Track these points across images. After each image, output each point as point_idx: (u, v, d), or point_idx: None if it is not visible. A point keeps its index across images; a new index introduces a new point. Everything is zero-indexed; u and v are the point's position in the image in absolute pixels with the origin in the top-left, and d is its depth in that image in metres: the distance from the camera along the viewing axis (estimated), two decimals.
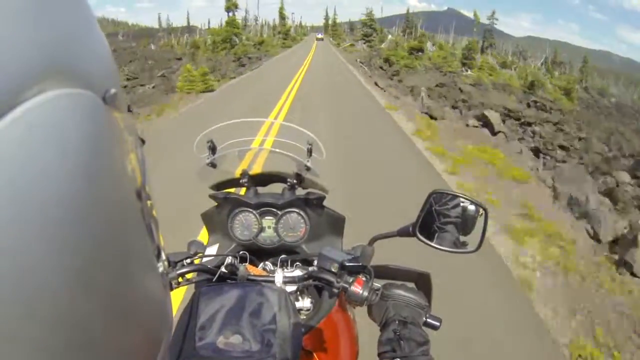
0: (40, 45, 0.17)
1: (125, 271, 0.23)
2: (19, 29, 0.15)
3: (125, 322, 0.23)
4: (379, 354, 0.67)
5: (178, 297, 1.87)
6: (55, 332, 0.17)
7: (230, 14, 33.07)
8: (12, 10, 0.15)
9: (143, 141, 0.29)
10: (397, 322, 0.69)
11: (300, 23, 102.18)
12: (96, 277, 0.19)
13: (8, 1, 0.15)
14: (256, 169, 1.22)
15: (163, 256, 0.30)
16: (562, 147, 8.81)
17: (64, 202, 0.17)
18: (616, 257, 3.33)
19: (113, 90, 0.21)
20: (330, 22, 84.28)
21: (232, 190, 1.14)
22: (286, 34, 55.03)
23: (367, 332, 0.92)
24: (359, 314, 0.94)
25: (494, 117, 8.84)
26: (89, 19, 0.21)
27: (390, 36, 42.40)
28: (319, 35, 69.20)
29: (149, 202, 0.27)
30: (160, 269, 0.29)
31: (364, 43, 43.47)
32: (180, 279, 0.81)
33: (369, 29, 46.79)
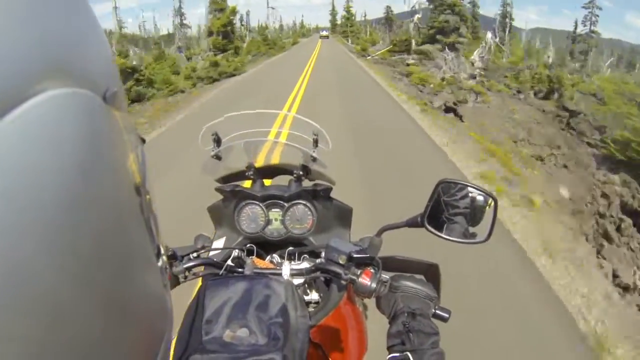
0: (41, 45, 0.17)
1: (125, 270, 0.22)
2: (20, 29, 0.16)
3: (125, 319, 0.23)
4: (388, 347, 0.66)
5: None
6: (54, 331, 0.17)
7: None
8: (12, 10, 0.15)
9: (143, 140, 0.30)
10: (406, 314, 0.68)
11: (302, 22, 76.40)
12: (95, 275, 0.19)
13: (8, 1, 0.15)
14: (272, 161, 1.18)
15: (163, 255, 0.30)
16: None
17: (64, 201, 0.17)
18: None
19: (113, 90, 0.22)
20: (342, 16, 55.16)
21: (240, 183, 1.13)
22: (224, 35, 17.19)
23: (376, 324, 0.90)
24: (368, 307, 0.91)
25: None
26: (90, 18, 0.22)
27: (489, 35, 14.75)
28: (324, 33, 55.05)
29: (148, 200, 0.27)
30: (160, 267, 0.29)
31: (455, 53, 13.74)
32: (187, 273, 0.80)
33: (452, 16, 17.69)
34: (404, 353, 0.62)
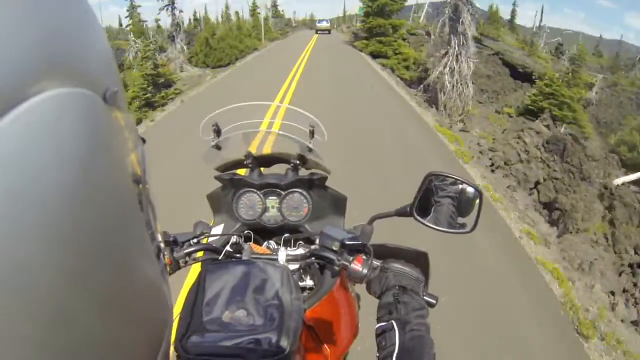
0: (40, 44, 0.16)
1: (124, 269, 0.23)
2: (19, 28, 0.15)
3: (127, 313, 0.23)
4: (378, 318, 0.68)
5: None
6: (54, 328, 0.17)
7: None
8: (11, 9, 0.15)
9: (143, 140, 0.30)
10: (397, 287, 0.70)
11: (274, 5, 41.03)
12: (94, 275, 0.20)
13: (7, 0, 0.15)
14: (265, 150, 1.22)
15: (163, 253, 0.31)
16: None
17: (64, 201, 0.17)
18: None
19: (113, 89, 0.21)
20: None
21: (238, 171, 1.16)
22: None
23: (369, 309, 0.95)
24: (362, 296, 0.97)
25: None
26: (89, 17, 0.21)
27: None
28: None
29: (148, 199, 0.27)
30: (160, 265, 0.29)
31: None
32: (187, 258, 0.84)
33: None
34: (390, 322, 0.64)
